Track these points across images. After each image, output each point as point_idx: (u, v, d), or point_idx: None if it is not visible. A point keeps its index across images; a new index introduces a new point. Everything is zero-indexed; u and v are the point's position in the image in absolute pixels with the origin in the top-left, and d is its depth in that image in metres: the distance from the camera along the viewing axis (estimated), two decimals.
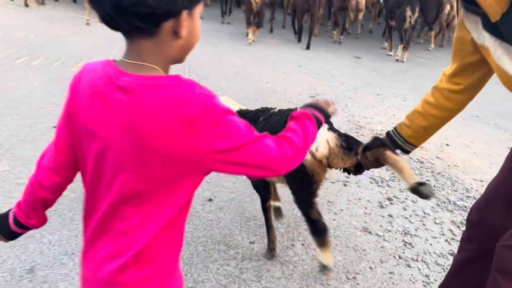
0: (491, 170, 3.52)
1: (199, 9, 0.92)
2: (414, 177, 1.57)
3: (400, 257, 2.39)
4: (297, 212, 2.91)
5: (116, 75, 0.86)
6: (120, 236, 0.92)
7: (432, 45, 8.65)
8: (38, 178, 1.04)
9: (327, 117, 1.18)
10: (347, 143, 1.88)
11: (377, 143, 1.76)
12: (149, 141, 0.84)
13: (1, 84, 4.58)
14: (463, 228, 2.02)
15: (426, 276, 2.27)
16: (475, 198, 3.00)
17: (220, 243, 2.39)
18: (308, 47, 7.82)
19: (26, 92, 4.43)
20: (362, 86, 5.68)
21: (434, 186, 3.21)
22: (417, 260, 2.37)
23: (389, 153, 1.67)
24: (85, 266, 0.99)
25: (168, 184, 0.89)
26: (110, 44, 6.50)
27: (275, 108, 2.18)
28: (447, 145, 3.97)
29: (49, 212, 1.10)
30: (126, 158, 0.87)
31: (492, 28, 1.31)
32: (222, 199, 2.82)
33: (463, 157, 3.79)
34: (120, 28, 0.85)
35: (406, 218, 2.77)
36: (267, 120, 2.04)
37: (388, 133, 1.82)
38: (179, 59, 0.95)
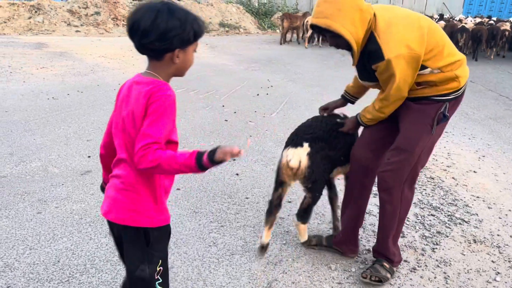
0: None
1: (192, 47, 1.50)
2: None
3: None
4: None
5: (136, 78, 1.52)
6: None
7: None
8: None
9: (211, 160, 1.41)
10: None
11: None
12: (137, 108, 1.44)
13: None
14: None
15: None
16: None
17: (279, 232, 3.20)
18: None
19: None
20: None
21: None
22: None
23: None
24: (107, 188, 1.63)
25: None
26: (237, 83, 8.51)
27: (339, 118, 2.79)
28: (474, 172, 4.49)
29: None
30: (127, 119, 1.47)
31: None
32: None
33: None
34: (143, 54, 1.49)
35: None
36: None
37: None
38: (178, 75, 1.56)
